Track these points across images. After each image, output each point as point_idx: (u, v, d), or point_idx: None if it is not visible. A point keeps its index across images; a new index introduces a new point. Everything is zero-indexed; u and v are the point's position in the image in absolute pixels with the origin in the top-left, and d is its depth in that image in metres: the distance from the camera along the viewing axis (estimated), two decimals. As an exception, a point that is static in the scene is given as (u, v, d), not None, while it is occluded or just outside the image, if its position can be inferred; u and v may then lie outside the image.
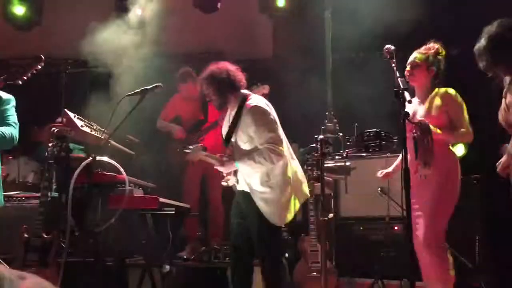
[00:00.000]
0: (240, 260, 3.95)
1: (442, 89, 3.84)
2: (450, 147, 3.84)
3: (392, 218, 4.74)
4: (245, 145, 3.84)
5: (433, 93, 3.84)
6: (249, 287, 3.98)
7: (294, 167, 3.94)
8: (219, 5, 6.60)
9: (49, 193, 3.89)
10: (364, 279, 4.59)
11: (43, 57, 3.81)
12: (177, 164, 5.73)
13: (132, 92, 3.82)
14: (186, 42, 6.76)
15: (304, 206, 4.48)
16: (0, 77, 3.65)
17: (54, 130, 3.85)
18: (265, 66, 6.65)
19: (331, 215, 4.52)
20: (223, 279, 4.64)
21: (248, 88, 4.07)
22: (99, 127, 4.03)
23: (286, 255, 5.19)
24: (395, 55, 3.38)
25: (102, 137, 3.90)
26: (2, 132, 3.65)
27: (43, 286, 1.27)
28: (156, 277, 4.45)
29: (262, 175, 3.80)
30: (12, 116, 3.82)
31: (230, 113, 4.01)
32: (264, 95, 4.59)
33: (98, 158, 3.71)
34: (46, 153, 3.84)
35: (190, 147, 4.05)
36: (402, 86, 3.13)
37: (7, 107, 3.80)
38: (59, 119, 4.82)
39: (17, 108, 3.83)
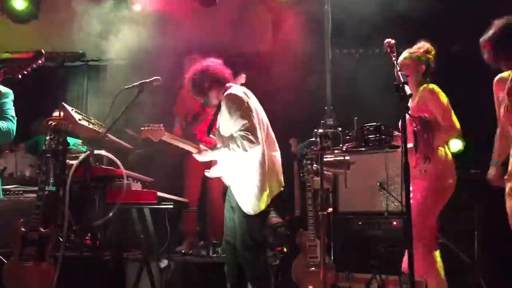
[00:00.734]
0: (234, 254, 3.93)
1: (424, 86, 3.85)
2: (442, 148, 3.80)
3: (391, 213, 4.72)
4: (225, 133, 3.87)
5: (420, 90, 3.85)
6: (245, 282, 3.95)
7: (273, 157, 3.91)
8: (218, -2, 6.58)
9: (47, 187, 3.88)
10: (363, 274, 4.57)
11: (44, 51, 3.77)
12: (174, 157, 5.68)
13: (130, 86, 3.80)
14: (185, 35, 6.73)
15: (302, 200, 4.46)
16: None
17: (51, 123, 3.83)
18: (264, 60, 6.62)
19: (330, 209, 4.51)
20: (220, 273, 4.62)
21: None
22: (97, 121, 4.00)
23: (285, 249, 5.19)
24: (395, 49, 3.36)
25: (100, 131, 3.87)
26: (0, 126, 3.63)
27: None
28: (154, 272, 4.43)
29: (235, 163, 3.80)
30: (10, 110, 3.80)
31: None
32: (242, 84, 4.57)
33: (96, 152, 3.68)
34: (44, 146, 3.82)
35: (149, 125, 3.93)
36: (402, 80, 3.11)
37: (5, 100, 3.78)
38: (56, 113, 4.79)
39: (15, 102, 3.81)
